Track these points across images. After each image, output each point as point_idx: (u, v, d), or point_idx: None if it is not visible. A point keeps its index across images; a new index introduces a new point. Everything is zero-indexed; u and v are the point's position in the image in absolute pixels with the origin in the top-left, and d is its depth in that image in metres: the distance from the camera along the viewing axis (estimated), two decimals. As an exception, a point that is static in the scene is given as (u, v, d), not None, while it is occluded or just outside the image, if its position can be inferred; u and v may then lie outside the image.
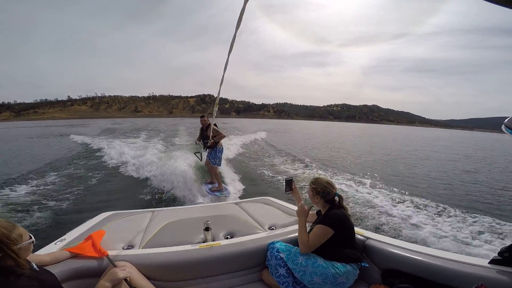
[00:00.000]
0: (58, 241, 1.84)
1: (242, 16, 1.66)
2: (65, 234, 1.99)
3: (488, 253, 3.91)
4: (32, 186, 6.66)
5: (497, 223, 5.10)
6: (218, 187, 5.99)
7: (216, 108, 2.96)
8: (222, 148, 5.99)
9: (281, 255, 1.78)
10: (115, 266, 1.51)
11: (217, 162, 5.88)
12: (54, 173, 8.16)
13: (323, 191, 1.85)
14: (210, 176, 6.37)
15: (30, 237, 1.24)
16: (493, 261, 1.39)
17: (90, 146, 14.18)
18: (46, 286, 1.19)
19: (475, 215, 5.56)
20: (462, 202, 6.80)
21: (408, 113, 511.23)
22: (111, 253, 1.67)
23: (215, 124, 5.84)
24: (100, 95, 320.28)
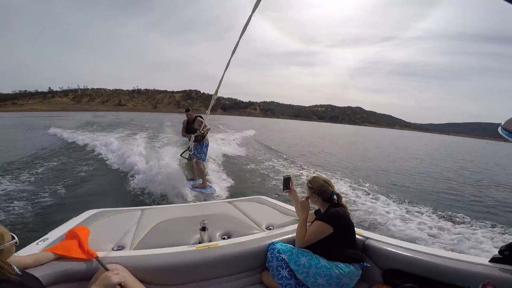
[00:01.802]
0: (40, 241, 1.68)
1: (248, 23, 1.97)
2: (47, 233, 1.83)
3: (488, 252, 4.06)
4: (7, 183, 6.13)
5: (487, 224, 5.29)
6: (202, 183, 5.78)
7: (215, 96, 2.83)
8: (208, 142, 5.86)
9: (283, 256, 1.72)
10: (106, 269, 1.38)
11: (202, 157, 5.71)
12: (33, 168, 7.65)
13: (320, 190, 1.83)
14: (192, 173, 6.19)
15: (13, 237, 1.11)
16: (493, 260, 1.41)
17: (71, 140, 13.48)
18: None
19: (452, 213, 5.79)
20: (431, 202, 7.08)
21: (389, 116, 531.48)
22: (100, 254, 1.54)
23: (200, 116, 5.67)
24: (82, 88, 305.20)
